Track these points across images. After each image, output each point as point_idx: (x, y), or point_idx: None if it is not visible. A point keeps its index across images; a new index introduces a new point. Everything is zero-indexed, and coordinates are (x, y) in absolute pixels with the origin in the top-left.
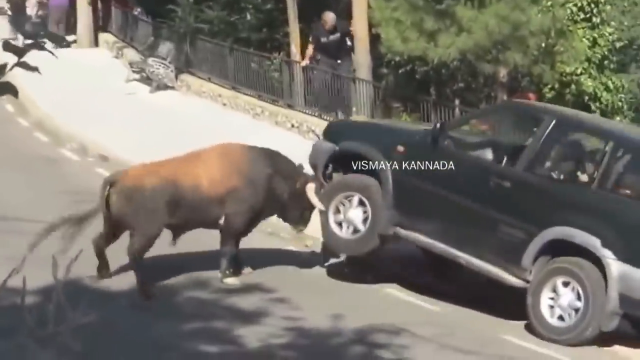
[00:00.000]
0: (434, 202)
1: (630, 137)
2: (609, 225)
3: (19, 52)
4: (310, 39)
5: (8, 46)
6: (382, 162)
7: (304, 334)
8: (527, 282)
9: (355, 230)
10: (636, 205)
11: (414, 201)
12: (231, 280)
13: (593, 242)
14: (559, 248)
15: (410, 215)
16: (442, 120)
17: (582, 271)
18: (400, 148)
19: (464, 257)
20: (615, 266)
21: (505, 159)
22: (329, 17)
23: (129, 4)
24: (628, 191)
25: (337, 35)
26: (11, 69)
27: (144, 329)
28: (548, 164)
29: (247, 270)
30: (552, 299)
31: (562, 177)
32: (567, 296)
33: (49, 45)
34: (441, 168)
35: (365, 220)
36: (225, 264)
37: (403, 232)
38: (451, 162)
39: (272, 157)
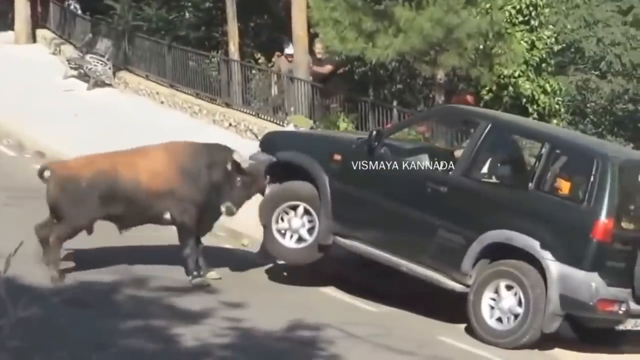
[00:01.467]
0: (372, 210)
1: (565, 139)
2: (547, 227)
3: None
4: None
5: None
6: (319, 172)
7: (242, 333)
8: (468, 286)
9: (300, 239)
10: (572, 206)
11: (352, 210)
12: (198, 281)
13: (532, 244)
14: (498, 251)
15: (349, 224)
16: (378, 128)
17: (525, 277)
18: (337, 157)
19: (405, 264)
20: (554, 267)
21: (442, 164)
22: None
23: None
24: (564, 192)
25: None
26: None
27: (82, 325)
28: (484, 168)
29: (213, 273)
30: (493, 299)
31: (499, 180)
32: (508, 300)
33: None
34: (378, 175)
35: (311, 229)
36: (190, 265)
37: (343, 241)
38: (387, 169)
39: (208, 149)
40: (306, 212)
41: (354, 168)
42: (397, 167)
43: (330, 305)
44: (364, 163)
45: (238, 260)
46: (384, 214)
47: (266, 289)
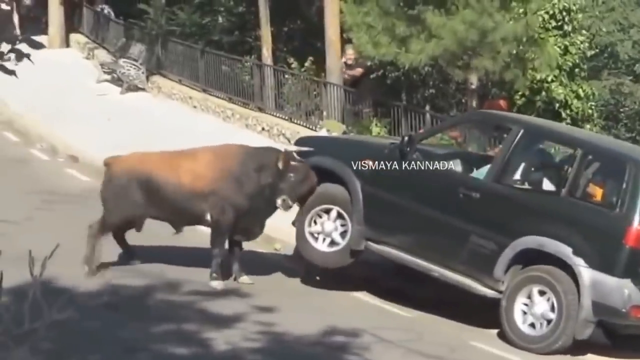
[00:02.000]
0: (404, 215)
1: (598, 144)
2: (579, 233)
3: None
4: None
5: None
6: (351, 176)
7: (273, 337)
8: (500, 292)
9: (333, 243)
10: (605, 212)
11: (384, 215)
12: (215, 284)
13: (564, 251)
14: (531, 258)
15: (381, 229)
16: (411, 133)
17: (558, 283)
18: (369, 162)
19: (436, 269)
20: (587, 274)
21: (474, 169)
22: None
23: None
24: (596, 198)
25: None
26: None
27: (115, 329)
28: (517, 173)
29: (245, 278)
30: (526, 305)
31: (531, 186)
32: (541, 305)
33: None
34: (410, 181)
35: (344, 233)
36: (214, 266)
37: (375, 246)
38: (420, 175)
39: (258, 153)
40: (339, 216)
41: (385, 173)
42: (429, 172)
43: (361, 309)
44: (396, 168)
45: (270, 265)
46: (416, 219)
47: (298, 293)
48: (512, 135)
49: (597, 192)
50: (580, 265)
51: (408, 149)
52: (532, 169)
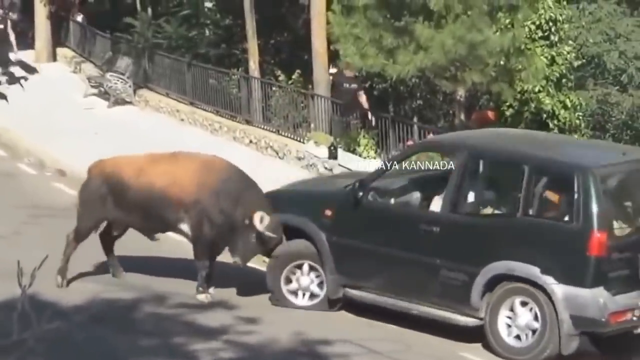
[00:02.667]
0: (372, 258)
1: (543, 158)
2: (543, 252)
3: None
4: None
5: None
6: (315, 230)
7: (259, 349)
8: (480, 319)
9: (313, 296)
10: (563, 227)
11: (354, 261)
12: (202, 297)
13: (533, 272)
14: (503, 280)
15: (354, 275)
16: (361, 177)
17: (538, 292)
18: (328, 212)
19: (414, 307)
20: (559, 290)
21: (432, 199)
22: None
23: (72, 12)
24: (552, 213)
25: (355, 86)
26: None
27: (102, 342)
28: (470, 200)
29: (211, 289)
30: (509, 317)
31: (486, 211)
32: (525, 316)
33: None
34: (370, 224)
35: (321, 284)
36: (200, 279)
37: (352, 292)
38: (378, 216)
39: (245, 183)
40: (311, 268)
41: (345, 220)
42: (386, 212)
43: (348, 322)
44: (354, 213)
45: (256, 277)
46: (385, 261)
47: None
48: (459, 162)
49: (551, 207)
50: (551, 283)
51: (361, 193)
52: (484, 192)
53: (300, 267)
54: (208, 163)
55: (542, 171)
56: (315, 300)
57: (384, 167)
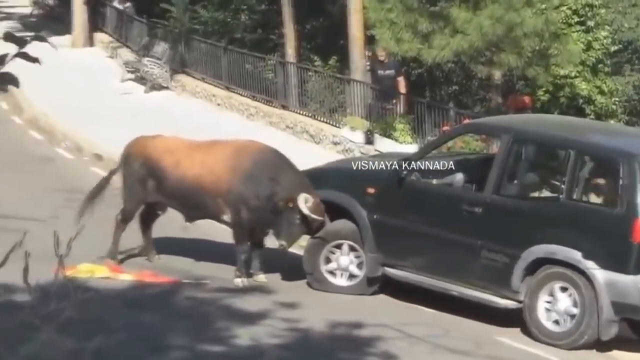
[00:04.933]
0: (413, 238)
1: (589, 143)
2: (586, 236)
3: (20, 42)
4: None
5: (9, 37)
6: (356, 207)
7: (298, 333)
8: (520, 302)
9: (352, 276)
10: (607, 212)
11: (395, 240)
12: (238, 281)
13: (574, 256)
14: (544, 264)
15: (394, 254)
16: (405, 156)
17: (579, 278)
18: (371, 190)
19: (454, 288)
20: (600, 275)
21: (475, 181)
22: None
23: None
24: (596, 198)
25: (392, 71)
26: (12, 59)
27: (138, 327)
28: (514, 183)
29: (261, 276)
30: (548, 302)
31: (529, 193)
32: (564, 301)
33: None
34: (412, 203)
35: (360, 264)
36: (239, 263)
37: (392, 271)
38: (420, 196)
39: (281, 164)
40: (351, 248)
41: (388, 199)
42: (429, 192)
43: (386, 306)
44: (397, 192)
45: (295, 261)
46: (426, 240)
47: (323, 290)
48: (503, 144)
49: (596, 192)
50: (593, 269)
51: (404, 172)
52: (529, 176)
53: (339, 247)
54: (241, 148)
55: (587, 156)
56: (354, 281)
57: (428, 147)
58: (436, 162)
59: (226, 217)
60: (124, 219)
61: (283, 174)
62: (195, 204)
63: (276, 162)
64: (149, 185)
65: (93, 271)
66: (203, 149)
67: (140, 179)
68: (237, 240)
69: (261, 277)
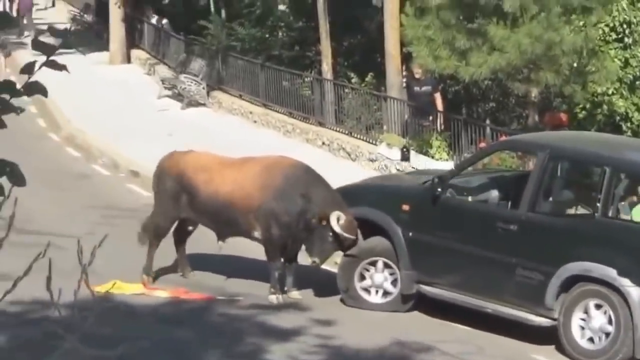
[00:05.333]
0: (448, 255)
1: (624, 160)
2: (621, 253)
3: (48, 50)
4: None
5: (37, 44)
6: (391, 224)
7: (333, 350)
8: (554, 320)
9: (386, 293)
10: None
11: (429, 257)
12: (273, 298)
13: (609, 273)
14: (579, 281)
15: (429, 271)
16: (440, 173)
17: (614, 296)
18: (406, 207)
19: (488, 305)
20: (635, 293)
21: (510, 199)
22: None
23: (145, 13)
24: (632, 216)
25: (429, 87)
26: (40, 67)
27: (172, 343)
28: (550, 200)
29: (295, 292)
30: (583, 319)
31: (565, 211)
32: (598, 319)
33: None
34: (447, 220)
35: (395, 281)
36: (272, 280)
37: (426, 288)
38: (455, 213)
39: (312, 180)
40: (386, 265)
41: (423, 216)
42: (464, 209)
43: (420, 323)
44: (432, 209)
45: (330, 279)
46: (460, 257)
47: (357, 309)
48: (539, 161)
49: (632, 210)
50: (628, 286)
51: (439, 189)
52: (564, 193)
53: (374, 264)
54: (272, 164)
55: (623, 173)
56: (389, 298)
57: (464, 164)
58: (471, 179)
59: (257, 233)
60: (158, 235)
61: (315, 190)
62: (226, 220)
63: (307, 178)
64: (182, 202)
65: (127, 288)
66: (235, 165)
67: (173, 195)
68: (270, 257)
69: (295, 294)
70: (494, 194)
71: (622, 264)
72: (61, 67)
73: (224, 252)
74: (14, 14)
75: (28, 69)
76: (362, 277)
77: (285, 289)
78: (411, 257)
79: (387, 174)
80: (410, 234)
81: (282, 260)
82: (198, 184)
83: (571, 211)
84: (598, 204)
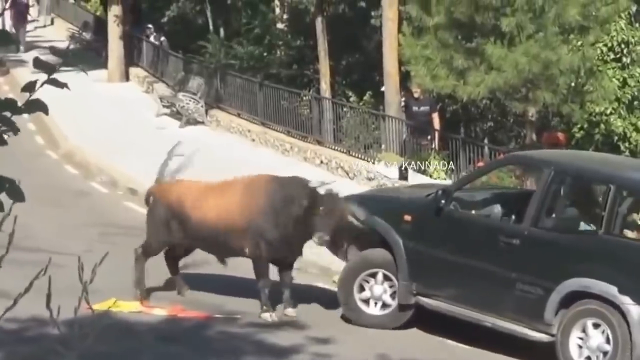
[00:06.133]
0: (448, 267)
1: (629, 178)
2: (623, 271)
3: (49, 68)
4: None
5: (38, 63)
6: (392, 234)
7: None
8: (553, 335)
9: (385, 305)
10: None
11: (429, 269)
12: (266, 316)
13: (610, 290)
14: (579, 297)
15: (428, 283)
16: (445, 186)
17: (612, 314)
18: (408, 217)
19: (487, 319)
20: (635, 310)
21: (513, 214)
22: (417, 86)
23: (145, 31)
24: (634, 233)
25: (427, 107)
26: (41, 85)
27: (168, 359)
28: (553, 216)
29: (290, 310)
30: (581, 338)
31: (568, 227)
32: (596, 338)
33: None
34: (450, 233)
35: (394, 294)
36: (263, 298)
37: (425, 300)
38: (458, 226)
39: (285, 185)
40: (386, 277)
41: (425, 228)
42: (467, 222)
43: (418, 342)
44: (435, 221)
45: (328, 297)
46: (461, 270)
47: (355, 326)
48: (544, 178)
49: (634, 227)
50: (628, 303)
51: (443, 201)
52: (568, 209)
53: (374, 275)
54: (250, 184)
55: (626, 191)
56: (387, 310)
57: (467, 177)
58: (475, 193)
59: (247, 250)
60: (146, 253)
61: (294, 191)
62: (219, 244)
63: (284, 184)
64: (173, 229)
65: (125, 306)
66: (217, 190)
67: (164, 224)
68: (258, 275)
69: (291, 312)
70: (498, 208)
71: (622, 282)
72: (62, 85)
73: (222, 271)
74: (8, 28)
75: (29, 87)
76: (362, 289)
77: (283, 306)
78: (411, 268)
79: (394, 186)
80: (411, 244)
81: (277, 269)
82: (187, 212)
83: (574, 228)
84: (601, 221)
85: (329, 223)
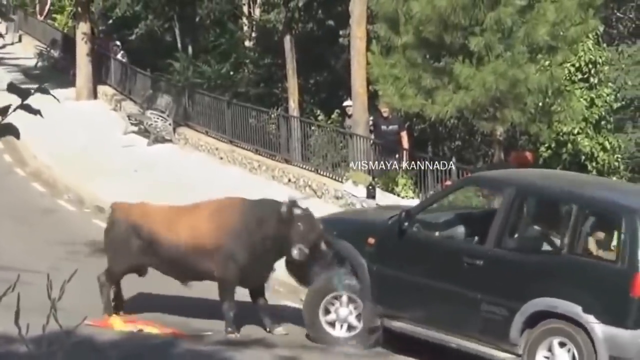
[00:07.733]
0: (412, 289)
1: (592, 197)
2: (586, 290)
3: (23, 94)
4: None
5: (12, 88)
6: (356, 257)
7: None
8: (519, 356)
9: (350, 327)
10: (608, 266)
11: (393, 291)
12: (232, 337)
13: (574, 310)
14: (543, 318)
15: (393, 305)
16: (407, 208)
17: (577, 333)
18: (372, 240)
19: (453, 340)
20: (599, 329)
21: (477, 234)
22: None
23: (111, 46)
24: (598, 253)
25: (396, 126)
26: (14, 110)
27: None
28: (516, 236)
29: (278, 329)
30: (547, 358)
31: (531, 247)
32: (562, 357)
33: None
34: (413, 255)
35: (359, 315)
36: (228, 320)
37: (391, 322)
38: (422, 248)
39: (257, 206)
40: (350, 300)
41: (388, 250)
42: (430, 244)
43: None
44: (398, 243)
45: (295, 316)
46: (425, 292)
47: (322, 345)
48: (506, 197)
49: (598, 247)
50: (592, 322)
51: (406, 223)
52: (530, 229)
53: (338, 298)
54: (218, 208)
55: (589, 210)
56: (353, 332)
57: (430, 199)
58: (438, 214)
59: (215, 273)
60: (111, 279)
61: (260, 210)
62: (186, 267)
63: (254, 210)
64: (134, 250)
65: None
66: (185, 213)
67: (126, 244)
68: (223, 297)
69: (279, 330)
70: (461, 229)
71: (586, 301)
72: (35, 112)
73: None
74: None
75: (1, 111)
76: (327, 311)
77: (268, 330)
78: (376, 290)
79: (359, 208)
80: (375, 266)
81: (249, 293)
82: (151, 235)
83: (537, 247)
84: (564, 241)
85: (308, 238)
